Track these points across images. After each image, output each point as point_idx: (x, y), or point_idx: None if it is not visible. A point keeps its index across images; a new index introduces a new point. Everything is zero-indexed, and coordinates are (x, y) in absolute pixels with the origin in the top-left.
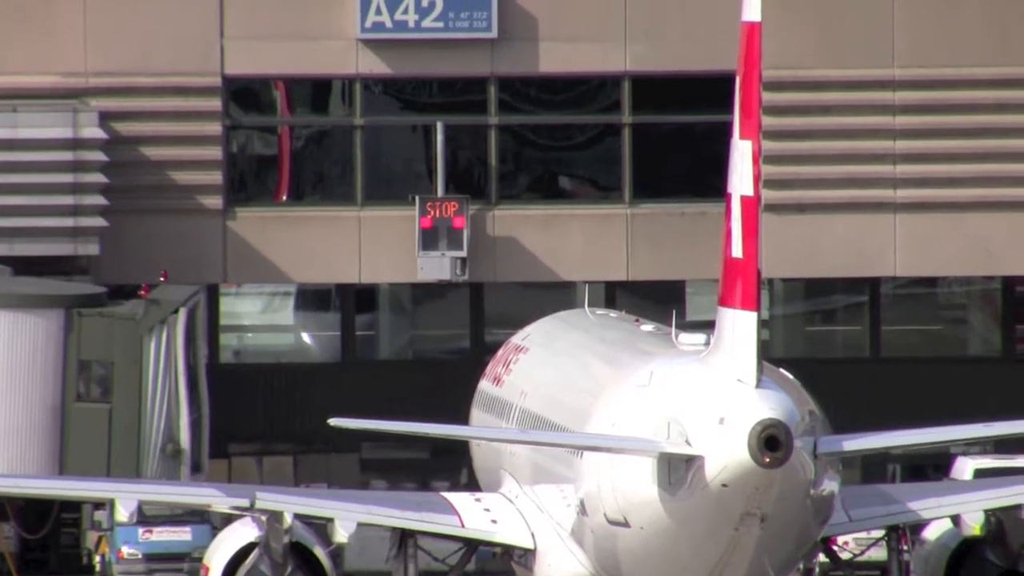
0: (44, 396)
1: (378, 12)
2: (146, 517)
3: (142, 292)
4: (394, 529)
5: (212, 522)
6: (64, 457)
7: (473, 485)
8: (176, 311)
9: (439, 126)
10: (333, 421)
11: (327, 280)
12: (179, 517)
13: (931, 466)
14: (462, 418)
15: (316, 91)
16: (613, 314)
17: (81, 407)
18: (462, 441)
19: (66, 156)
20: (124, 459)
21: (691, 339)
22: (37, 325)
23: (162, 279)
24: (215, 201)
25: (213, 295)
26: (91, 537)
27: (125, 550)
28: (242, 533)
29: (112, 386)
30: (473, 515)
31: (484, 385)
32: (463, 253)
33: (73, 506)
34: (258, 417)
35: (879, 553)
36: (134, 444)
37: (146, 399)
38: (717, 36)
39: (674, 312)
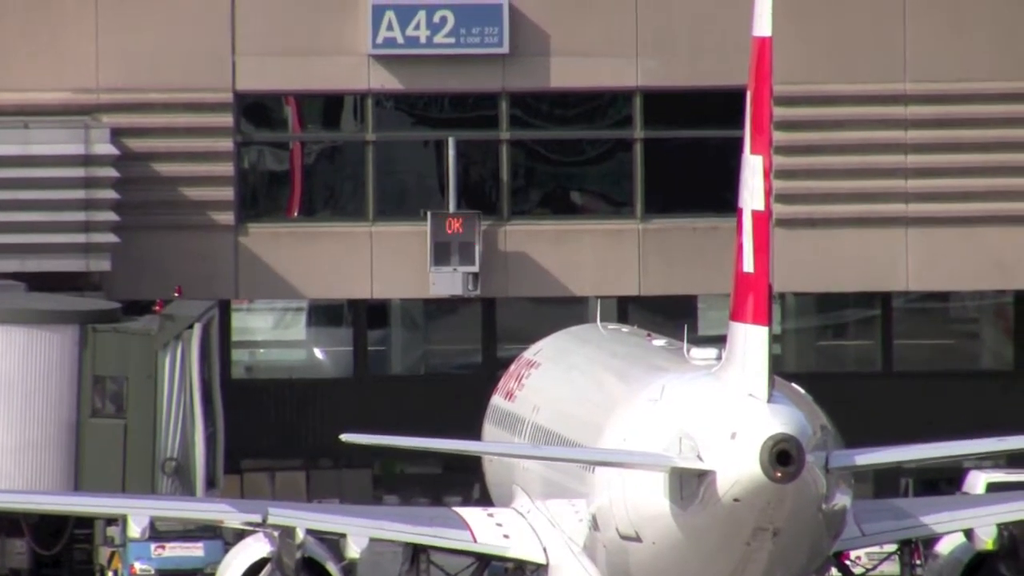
0: (59, 412)
1: (389, 28)
2: (158, 533)
3: (157, 308)
4: (406, 544)
5: (224, 538)
6: (79, 473)
7: (485, 500)
8: (191, 326)
9: (451, 141)
10: (345, 437)
11: (339, 295)
12: (191, 533)
13: (943, 480)
14: (474, 433)
15: (328, 107)
16: (625, 329)
17: (96, 423)
18: (474, 456)
19: (78, 172)
20: (139, 474)
21: (703, 354)
22: (52, 341)
23: (177, 294)
24: (227, 217)
25: (225, 311)
26: (104, 553)
27: (138, 566)
28: (254, 548)
29: (127, 402)
30: (485, 530)
31: (496, 400)
32: (475, 268)
33: (86, 522)
34: (270, 433)
35: (892, 568)
36: (149, 459)
37: (161, 415)
38: (728, 51)
39: (686, 327)
